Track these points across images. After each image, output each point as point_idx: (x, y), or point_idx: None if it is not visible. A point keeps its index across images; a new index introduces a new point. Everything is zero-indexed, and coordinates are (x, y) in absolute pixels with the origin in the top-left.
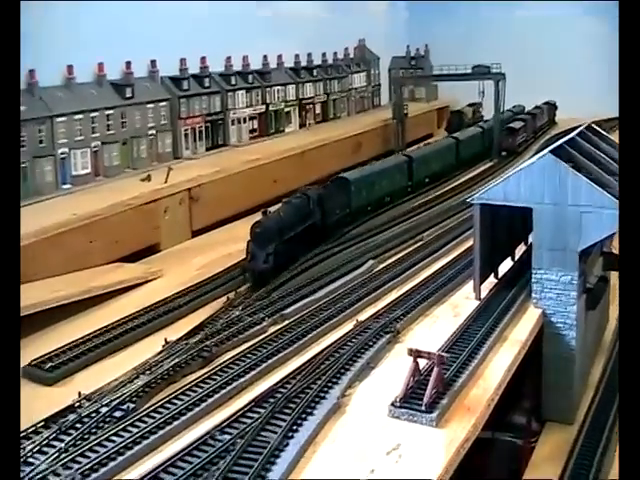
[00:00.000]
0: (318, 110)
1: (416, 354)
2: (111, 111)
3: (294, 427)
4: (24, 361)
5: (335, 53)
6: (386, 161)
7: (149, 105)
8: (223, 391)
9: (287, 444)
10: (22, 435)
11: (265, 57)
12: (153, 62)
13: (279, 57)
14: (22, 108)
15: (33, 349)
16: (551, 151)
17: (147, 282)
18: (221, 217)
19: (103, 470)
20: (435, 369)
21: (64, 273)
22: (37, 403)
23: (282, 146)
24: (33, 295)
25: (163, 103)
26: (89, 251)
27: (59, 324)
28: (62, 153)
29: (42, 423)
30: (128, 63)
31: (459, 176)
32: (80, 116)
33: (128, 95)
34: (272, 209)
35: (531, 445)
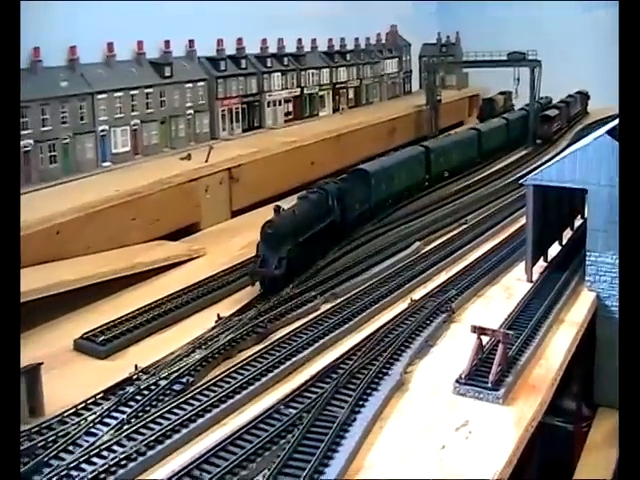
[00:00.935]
0: (351, 95)
1: (480, 331)
2: (150, 90)
3: (360, 402)
4: (74, 335)
5: (367, 38)
6: (404, 152)
7: (187, 85)
8: (282, 366)
9: (354, 419)
10: (82, 406)
11: (299, 40)
12: (191, 42)
13: (313, 41)
14: (64, 84)
15: (82, 323)
16: (607, 132)
17: (190, 260)
18: (260, 198)
19: (168, 442)
20: (500, 346)
21: (106, 250)
22: (91, 375)
23: (318, 129)
24: (79, 270)
25: (201, 83)
26: (131, 228)
27: (105, 300)
28: (102, 130)
29: (101, 395)
30: (167, 42)
31: (497, 162)
32: (120, 94)
33: (167, 74)
34: (285, 205)
35: (583, 430)
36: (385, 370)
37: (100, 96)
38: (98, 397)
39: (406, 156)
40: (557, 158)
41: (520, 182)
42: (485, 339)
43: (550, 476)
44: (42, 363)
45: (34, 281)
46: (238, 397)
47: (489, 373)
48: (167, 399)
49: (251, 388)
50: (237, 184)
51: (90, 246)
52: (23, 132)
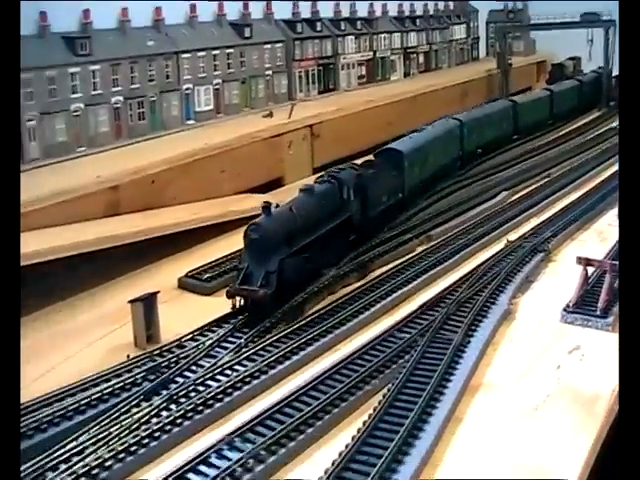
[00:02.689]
0: (421, 60)
1: (585, 262)
2: (231, 50)
3: (472, 327)
4: (177, 274)
5: (436, 4)
6: (437, 126)
7: (266, 46)
8: (388, 299)
9: (468, 342)
10: (197, 333)
11: (371, 5)
12: (268, 4)
13: (384, 5)
14: (150, 43)
15: (182, 265)
16: None
17: None
18: (340, 155)
19: (287, 363)
20: (607, 276)
21: (197, 201)
22: (198, 309)
23: (393, 91)
24: (176, 216)
25: (279, 45)
26: (220, 181)
27: (200, 245)
28: (186, 89)
29: (214, 323)
30: (246, 4)
31: (575, 121)
32: (203, 53)
33: (247, 35)
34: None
35: None
36: (492, 300)
37: (184, 55)
38: (212, 325)
39: (441, 130)
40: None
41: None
42: (590, 271)
43: None
44: (159, 291)
45: (136, 225)
46: (349, 325)
47: (596, 302)
48: (280, 326)
49: (360, 317)
50: (318, 141)
51: (182, 196)
52: (113, 89)
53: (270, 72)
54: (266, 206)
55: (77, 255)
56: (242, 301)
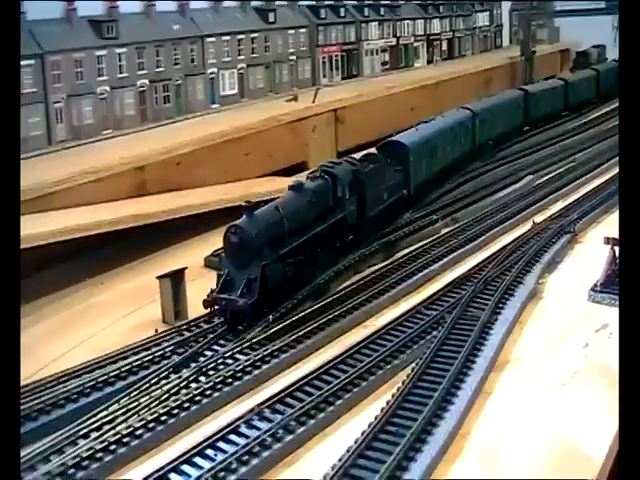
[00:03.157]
0: (444, 47)
1: (613, 242)
2: (256, 35)
3: (499, 305)
4: (205, 253)
5: None
6: (447, 116)
7: (290, 31)
8: (414, 277)
9: (496, 319)
10: None
11: None
12: None
13: None
14: (176, 27)
15: (210, 243)
16: None
17: None
18: (363, 140)
19: (314, 338)
20: None
21: (222, 183)
22: None
23: (416, 77)
24: (203, 197)
25: (302, 30)
26: (245, 163)
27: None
28: (211, 73)
29: None
30: None
31: (598, 108)
32: (227, 38)
33: (271, 20)
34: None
35: None
36: (519, 280)
37: (209, 39)
38: None
39: (453, 121)
40: None
41: None
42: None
43: None
44: (186, 267)
45: (164, 204)
46: (376, 302)
47: None
48: (306, 303)
49: (387, 295)
50: (342, 125)
51: (207, 178)
52: (139, 72)
53: (294, 57)
54: (248, 206)
55: (106, 233)
56: (219, 310)
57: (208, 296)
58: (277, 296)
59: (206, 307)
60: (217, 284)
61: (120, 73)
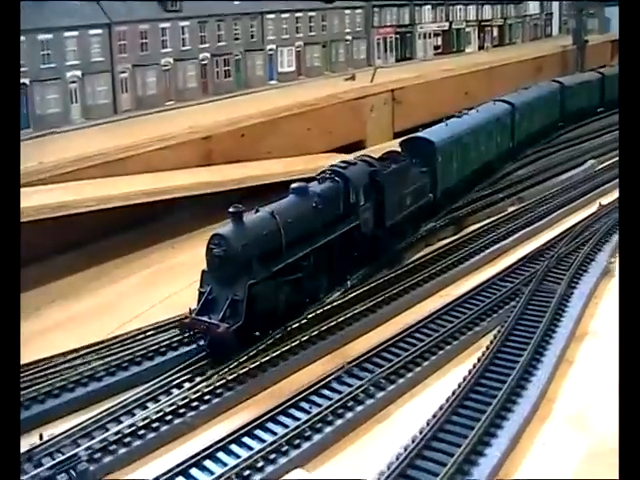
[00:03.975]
0: (495, 34)
1: None
2: (313, 13)
3: (574, 280)
4: None
5: None
6: (482, 110)
7: (346, 11)
8: (487, 250)
9: (572, 293)
10: None
11: None
12: None
13: None
14: (236, 2)
15: None
16: None
17: None
18: (419, 122)
19: (393, 303)
20: None
21: (285, 157)
22: None
23: (469, 62)
24: (268, 168)
25: (358, 10)
26: (306, 138)
27: None
28: (270, 49)
29: None
30: None
31: None
32: (286, 15)
33: None
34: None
35: None
36: (590, 257)
37: (269, 16)
38: None
39: (488, 116)
40: None
41: None
42: None
43: None
44: None
45: (232, 174)
46: (451, 272)
47: None
48: (383, 271)
49: (460, 267)
50: (399, 106)
51: (271, 151)
52: (201, 46)
53: (350, 38)
54: (236, 211)
55: (180, 199)
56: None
57: (186, 317)
58: (269, 320)
59: (182, 331)
60: (198, 303)
61: (183, 46)
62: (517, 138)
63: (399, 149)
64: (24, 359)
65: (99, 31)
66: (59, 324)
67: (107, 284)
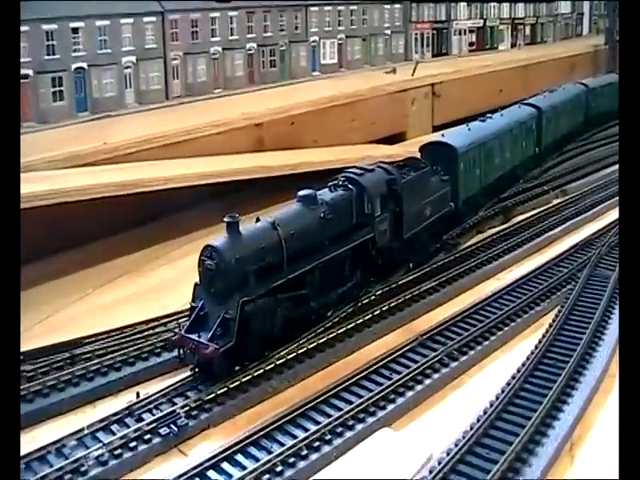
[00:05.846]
0: (527, 32)
1: None
2: (354, 7)
3: None
4: None
5: None
6: (507, 114)
7: (386, 6)
8: (538, 239)
9: None
10: None
11: None
12: None
13: None
14: None
15: None
16: None
17: None
18: (457, 116)
19: (455, 284)
20: None
21: (331, 145)
22: None
23: (503, 59)
24: (319, 156)
25: (397, 5)
26: (350, 129)
27: None
28: (313, 41)
29: None
30: None
31: None
32: (329, 8)
33: None
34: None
35: None
36: None
37: (312, 9)
38: None
39: (513, 120)
40: None
41: None
42: None
43: None
44: None
45: (283, 160)
46: (505, 258)
47: None
48: (440, 255)
49: (514, 253)
50: (438, 100)
51: (317, 140)
52: (248, 35)
53: (389, 32)
54: (232, 221)
55: (235, 182)
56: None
57: (175, 333)
58: (267, 341)
59: (170, 349)
60: (189, 318)
61: (231, 35)
62: (543, 143)
63: (419, 155)
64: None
65: (153, 19)
66: (128, 298)
67: (174, 259)
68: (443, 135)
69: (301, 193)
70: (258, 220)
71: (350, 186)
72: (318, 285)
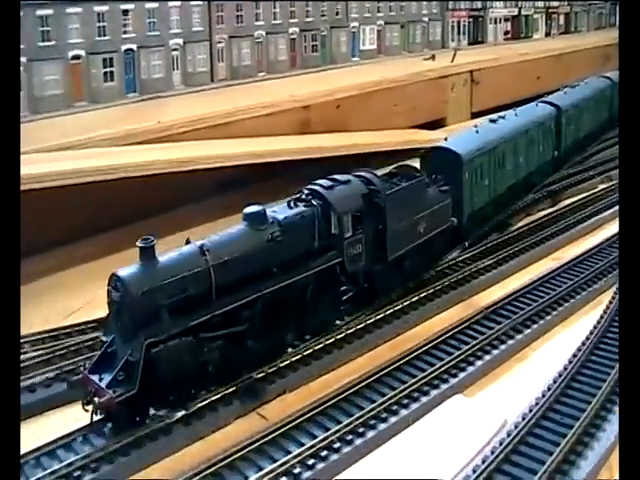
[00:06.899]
0: (561, 21)
1: None
2: None
3: None
4: None
5: None
6: (521, 113)
7: None
8: (588, 221)
9: None
10: None
11: None
12: None
13: None
14: None
15: None
16: None
17: None
18: (495, 104)
19: (512, 262)
20: None
21: (375, 129)
22: None
23: (539, 48)
24: (363, 139)
25: None
26: (392, 114)
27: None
28: (353, 27)
29: None
30: None
31: None
32: None
33: None
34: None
35: None
36: None
37: None
38: None
39: (527, 121)
40: None
41: None
42: None
43: None
44: None
45: (334, 141)
46: (558, 238)
47: None
48: (493, 235)
49: (568, 232)
50: (477, 87)
51: (362, 123)
52: (290, 20)
53: (427, 19)
54: (146, 246)
55: (282, 162)
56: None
57: (81, 371)
58: (186, 388)
59: (72, 388)
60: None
61: (274, 20)
62: (564, 146)
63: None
64: None
65: (199, 2)
66: None
67: None
68: (446, 139)
69: (247, 210)
70: (188, 242)
71: (314, 202)
72: (260, 320)
